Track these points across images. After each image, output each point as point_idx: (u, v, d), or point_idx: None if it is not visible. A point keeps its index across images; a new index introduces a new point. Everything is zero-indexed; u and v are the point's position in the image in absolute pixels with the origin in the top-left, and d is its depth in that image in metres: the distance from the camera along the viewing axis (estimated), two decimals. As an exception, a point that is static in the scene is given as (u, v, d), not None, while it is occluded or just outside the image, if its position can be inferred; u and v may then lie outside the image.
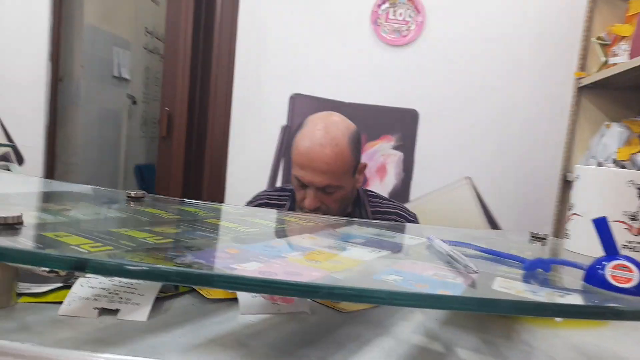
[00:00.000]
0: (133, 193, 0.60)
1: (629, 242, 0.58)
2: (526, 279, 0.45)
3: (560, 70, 1.90)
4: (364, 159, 2.10)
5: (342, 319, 0.46)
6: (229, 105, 2.13)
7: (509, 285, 0.40)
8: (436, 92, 2.00)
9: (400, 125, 2.08)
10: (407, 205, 2.05)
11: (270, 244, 0.45)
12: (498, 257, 0.52)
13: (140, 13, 3.13)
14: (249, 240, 0.46)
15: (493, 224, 2.01)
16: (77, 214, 0.48)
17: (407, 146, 2.07)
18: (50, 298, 0.40)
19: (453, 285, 0.39)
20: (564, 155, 1.88)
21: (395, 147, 2.09)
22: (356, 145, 1.10)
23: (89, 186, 0.68)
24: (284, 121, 2.07)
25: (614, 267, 0.42)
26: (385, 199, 1.27)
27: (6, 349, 0.31)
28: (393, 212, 1.21)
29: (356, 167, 1.12)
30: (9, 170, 1.40)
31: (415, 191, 2.07)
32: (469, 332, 0.46)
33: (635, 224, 0.58)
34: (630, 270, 0.41)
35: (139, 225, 0.45)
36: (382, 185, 2.11)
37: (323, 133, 1.05)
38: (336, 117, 1.13)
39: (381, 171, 2.14)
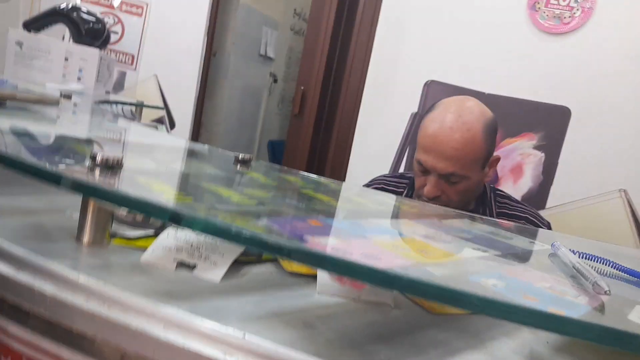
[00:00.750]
0: (241, 156, 0.60)
1: None
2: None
3: None
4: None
5: (429, 320, 0.40)
6: (362, 87, 2.11)
7: (652, 318, 0.31)
8: (596, 89, 1.73)
9: (546, 122, 1.85)
10: (542, 214, 1.84)
11: (359, 223, 0.41)
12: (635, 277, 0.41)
13: (291, -5, 3.26)
14: (337, 216, 0.42)
15: (649, 248, 1.70)
16: (181, 167, 0.49)
17: (551, 147, 1.84)
18: (140, 243, 0.41)
19: (572, 304, 0.31)
20: None
21: (537, 147, 1.88)
22: (491, 135, 0.99)
23: (208, 146, 0.71)
24: (415, 108, 1.98)
25: None
26: (516, 201, 1.14)
27: (76, 282, 0.32)
28: (522, 216, 1.08)
29: (487, 159, 1.00)
30: (157, 128, 1.56)
31: (554, 199, 1.84)
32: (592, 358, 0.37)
33: None
34: None
35: (231, 184, 0.44)
36: (515, 188, 1.92)
37: (455, 117, 0.96)
38: (471, 102, 1.03)
39: (516, 171, 1.94)
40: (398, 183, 1.22)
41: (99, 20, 1.52)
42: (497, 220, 0.84)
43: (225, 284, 0.38)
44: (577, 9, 1.77)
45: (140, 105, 1.50)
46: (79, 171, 0.36)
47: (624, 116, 1.70)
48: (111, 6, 1.99)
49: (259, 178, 0.52)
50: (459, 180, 0.97)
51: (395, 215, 0.49)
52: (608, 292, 0.32)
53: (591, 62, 1.73)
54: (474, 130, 0.95)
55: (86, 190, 0.32)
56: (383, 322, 0.38)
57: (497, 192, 1.15)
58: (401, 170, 2.03)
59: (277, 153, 3.36)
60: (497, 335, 0.39)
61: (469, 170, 0.96)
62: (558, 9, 1.80)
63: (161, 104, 2.49)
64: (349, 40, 2.27)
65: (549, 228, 1.10)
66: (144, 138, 0.70)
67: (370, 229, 0.39)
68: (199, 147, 0.74)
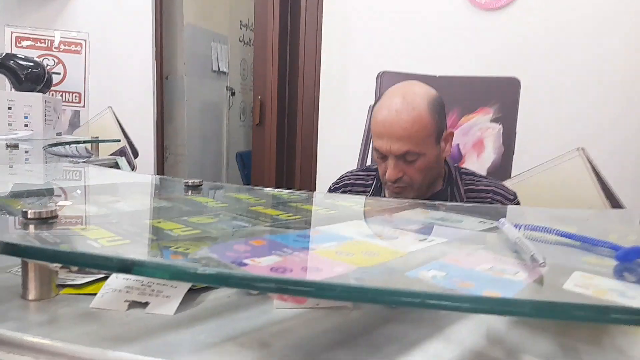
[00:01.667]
0: (190, 182, 0.60)
1: None
2: (617, 274, 0.36)
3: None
4: (459, 134, 1.98)
5: (389, 316, 0.41)
6: (317, 88, 2.13)
7: (588, 282, 0.32)
8: (538, 56, 1.79)
9: (499, 95, 1.90)
10: (509, 182, 1.89)
11: (305, 234, 0.41)
12: (586, 244, 0.43)
13: (234, 7, 3.24)
14: (284, 230, 0.42)
15: (613, 201, 1.76)
16: (123, 206, 0.48)
17: (507, 118, 1.89)
18: (89, 290, 0.41)
19: (509, 283, 0.32)
20: None
21: (494, 120, 1.92)
22: (437, 110, 1.03)
23: (159, 176, 0.70)
24: (372, 101, 2.00)
25: None
26: (481, 177, 1.17)
27: (21, 342, 0.32)
28: (489, 189, 1.11)
29: (440, 135, 1.05)
30: (117, 164, 1.53)
31: (517, 167, 1.89)
32: (544, 335, 0.38)
33: None
34: None
35: (176, 216, 0.44)
36: (479, 162, 1.96)
37: (400, 100, 1.01)
38: (415, 85, 1.07)
39: (478, 146, 1.98)
40: (366, 176, 1.24)
41: (37, 65, 1.49)
42: (451, 203, 0.86)
43: (179, 316, 0.38)
44: (510, -18, 1.83)
45: (93, 142, 1.47)
46: (10, 232, 0.36)
47: (570, 78, 1.75)
48: (49, 48, 1.95)
49: (207, 203, 0.52)
50: (416, 158, 1.01)
51: (345, 218, 0.49)
52: (543, 264, 0.33)
53: (530, 32, 1.78)
54: (419, 109, 1.00)
55: (17, 252, 0.32)
56: (342, 325, 0.38)
57: (462, 170, 1.17)
58: (368, 163, 2.05)
59: (247, 163, 3.35)
60: (454, 319, 0.40)
61: (422, 146, 1.01)
62: (492, -16, 1.86)
63: (120, 135, 2.45)
64: (297, 44, 2.28)
65: (515, 197, 1.13)
66: (90, 180, 0.69)
67: (317, 239, 0.40)
68: (150, 179, 0.73)
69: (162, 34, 2.53)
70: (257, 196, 0.58)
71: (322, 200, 0.61)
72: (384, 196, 1.19)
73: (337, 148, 2.10)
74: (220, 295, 0.43)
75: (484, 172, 1.89)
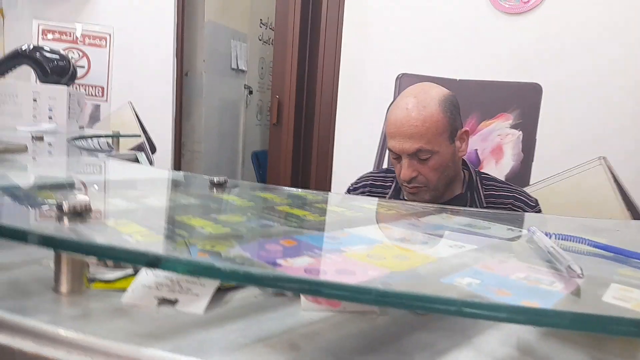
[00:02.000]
0: (216, 179, 0.60)
1: None
2: (654, 288, 0.35)
3: None
4: (477, 140, 1.97)
5: (417, 323, 0.40)
6: (336, 89, 2.13)
7: (627, 295, 0.32)
8: (563, 63, 1.76)
9: (520, 101, 1.88)
10: (528, 190, 1.86)
11: (334, 235, 0.41)
12: (621, 255, 0.42)
13: (255, 6, 3.25)
14: (313, 230, 0.42)
15: (634, 212, 1.73)
16: (153, 201, 0.48)
17: (527, 124, 1.86)
18: (119, 285, 0.41)
19: (546, 293, 0.31)
20: None
21: (514, 126, 1.90)
22: (449, 108, 1.04)
23: (182, 173, 0.70)
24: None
25: None
26: (502, 182, 1.17)
27: (55, 336, 0.32)
28: (510, 196, 1.10)
29: (454, 133, 1.05)
30: (137, 159, 1.55)
31: (537, 174, 1.87)
32: (575, 347, 0.37)
33: None
34: None
35: (205, 213, 0.44)
36: (498, 168, 1.94)
37: (411, 99, 1.03)
38: (429, 86, 1.08)
39: (497, 152, 1.96)
40: (385, 178, 1.24)
41: (63, 57, 1.51)
42: (475, 209, 0.85)
43: (209, 315, 0.38)
44: (535, -13, 1.81)
45: (115, 136, 1.49)
46: (45, 224, 0.36)
47: (592, 86, 1.73)
48: (74, 41, 1.97)
49: (234, 201, 0.53)
50: (429, 157, 1.02)
51: (372, 220, 0.49)
52: (581, 274, 0.33)
53: (554, 37, 1.76)
54: (431, 107, 1.01)
55: (53, 244, 0.32)
56: (369, 331, 0.38)
57: (483, 175, 1.17)
58: (385, 165, 2.04)
59: (262, 163, 3.37)
60: (484, 328, 0.40)
61: (434, 144, 1.01)
62: (516, -12, 1.84)
63: (139, 131, 2.47)
64: (317, 44, 2.28)
65: (537, 204, 1.12)
66: (115, 174, 0.70)
67: (346, 241, 0.40)
68: (174, 175, 0.73)
69: (184, 31, 2.55)
70: (282, 196, 0.58)
71: (345, 201, 0.61)
72: (403, 198, 1.18)
73: (354, 150, 2.09)
74: (248, 295, 0.42)
75: (502, 179, 1.88)
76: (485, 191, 1.12)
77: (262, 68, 3.41)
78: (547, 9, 1.76)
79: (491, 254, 0.41)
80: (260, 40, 3.35)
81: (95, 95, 2.12)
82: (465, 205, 1.09)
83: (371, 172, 1.30)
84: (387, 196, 1.21)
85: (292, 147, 2.39)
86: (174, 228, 0.37)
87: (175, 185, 0.66)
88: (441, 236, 0.45)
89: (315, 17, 2.30)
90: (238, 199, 0.54)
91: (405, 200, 1.18)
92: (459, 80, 1.94)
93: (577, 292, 0.32)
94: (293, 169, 2.42)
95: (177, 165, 2.60)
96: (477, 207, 1.10)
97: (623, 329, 0.26)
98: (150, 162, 2.47)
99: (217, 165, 3.02)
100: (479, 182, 1.13)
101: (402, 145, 1.01)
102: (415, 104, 1.02)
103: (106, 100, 2.12)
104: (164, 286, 0.40)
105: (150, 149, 2.52)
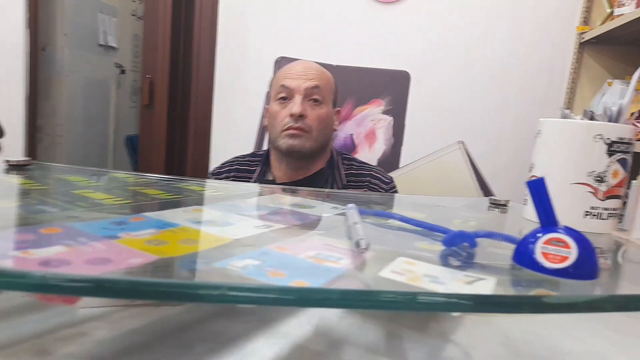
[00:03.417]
0: (14, 160, 0.52)
1: (593, 208, 0.48)
2: (442, 258, 0.36)
3: (562, 25, 1.76)
4: (353, 125, 2.01)
5: (218, 310, 0.37)
6: (213, 70, 2.03)
7: (408, 268, 0.31)
8: (428, 51, 1.87)
9: (391, 88, 1.96)
10: (397, 173, 1.96)
11: (124, 221, 0.36)
12: (425, 229, 0.43)
13: (125, -24, 2.99)
14: (102, 215, 0.37)
15: (486, 190, 1.90)
16: None
17: (397, 110, 1.95)
18: None
19: (326, 271, 0.29)
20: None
21: (386, 112, 1.98)
22: (335, 83, 1.14)
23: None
24: (268, 86, 1.96)
25: (547, 242, 0.32)
26: (360, 162, 1.21)
27: None
28: (367, 173, 1.15)
29: (335, 104, 1.14)
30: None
31: (405, 157, 1.97)
32: (373, 322, 0.37)
33: (602, 187, 0.48)
34: (566, 246, 0.31)
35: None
36: (371, 152, 2.01)
37: (304, 60, 1.13)
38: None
39: (370, 137, 2.03)
40: (251, 162, 1.21)
41: None
42: (328, 190, 0.86)
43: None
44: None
45: None
46: None
47: (453, 74, 1.85)
48: None
49: (26, 185, 0.45)
50: (320, 103, 1.07)
51: (187, 203, 0.45)
52: (364, 249, 0.32)
53: (421, 27, 1.85)
54: (323, 69, 1.12)
55: None
56: (157, 323, 0.34)
57: (344, 155, 1.20)
58: (265, 148, 2.01)
59: (137, 148, 3.14)
60: (285, 311, 0.38)
61: (327, 95, 1.09)
62: (386, -23, 1.90)
63: (-19, 111, 2.15)
64: (191, 21, 2.16)
65: (392, 181, 1.17)
66: None
67: (134, 226, 0.35)
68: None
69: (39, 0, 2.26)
70: (93, 179, 0.51)
71: (172, 184, 0.56)
72: (268, 180, 1.16)
73: (233, 133, 2.03)
74: (15, 295, 0.36)
75: (375, 163, 1.95)
76: (345, 170, 1.16)
77: (136, 46, 3.16)
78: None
79: (296, 233, 0.39)
80: (133, 15, 3.09)
81: None
82: (326, 181, 1.11)
83: (236, 157, 1.26)
84: (252, 180, 1.18)
85: (166, 131, 2.25)
86: None
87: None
88: (255, 217, 0.43)
89: (188, -7, 2.17)
90: (32, 183, 0.46)
91: (270, 181, 1.16)
92: (336, 65, 1.96)
93: (360, 267, 0.31)
94: (167, 153, 2.28)
95: (32, 151, 2.31)
96: (337, 183, 1.13)
97: (381, 304, 0.25)
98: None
99: (84, 151, 2.75)
100: (340, 160, 1.17)
101: (300, 82, 1.06)
102: (313, 63, 1.12)
103: None
104: None
105: (-1, 132, 2.21)
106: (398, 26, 1.89)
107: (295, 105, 1.05)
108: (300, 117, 1.05)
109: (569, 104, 1.73)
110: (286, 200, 0.51)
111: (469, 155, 1.91)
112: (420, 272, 0.31)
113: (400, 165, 1.97)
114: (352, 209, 0.44)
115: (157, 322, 0.35)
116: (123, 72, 3.03)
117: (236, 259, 0.30)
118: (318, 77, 1.08)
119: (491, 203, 0.61)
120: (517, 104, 1.83)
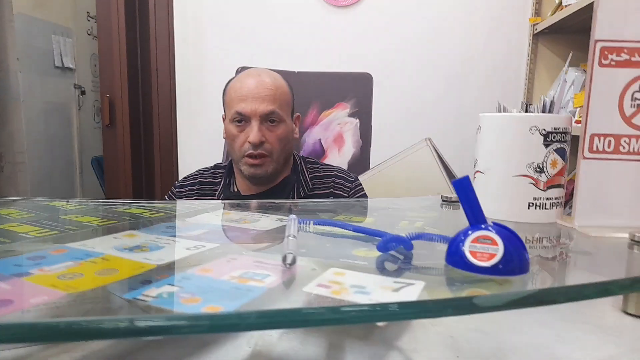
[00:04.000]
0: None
1: (536, 199, 0.48)
2: (378, 265, 0.35)
3: (515, 18, 1.79)
4: (320, 130, 2.01)
5: (146, 340, 0.36)
6: (173, 84, 2.00)
7: (336, 279, 0.30)
8: (388, 52, 1.88)
9: (355, 90, 1.96)
10: (367, 175, 1.97)
11: (40, 255, 0.34)
12: (365, 234, 0.42)
13: (77, -3, 2.94)
14: (18, 251, 0.35)
15: (456, 186, 1.92)
16: None
17: (363, 112, 1.96)
18: None
19: (247, 291, 0.28)
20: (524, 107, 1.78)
21: (352, 114, 1.98)
22: (291, 87, 1.10)
23: None
24: (230, 97, 1.94)
25: (475, 240, 0.32)
26: (323, 164, 1.21)
27: None
28: (331, 174, 1.15)
29: (293, 112, 1.11)
30: None
31: (375, 159, 1.97)
32: (317, 335, 0.36)
33: (542, 177, 0.48)
34: (493, 243, 0.31)
35: None
36: (340, 156, 2.01)
37: (256, 71, 1.07)
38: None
39: (338, 141, 2.03)
40: (214, 174, 1.20)
41: None
42: (279, 201, 0.85)
43: None
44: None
45: None
46: None
47: (414, 73, 1.87)
48: None
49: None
50: (278, 123, 1.03)
51: (124, 227, 0.43)
52: (289, 265, 0.31)
53: (378, 28, 1.86)
54: (279, 79, 1.07)
55: None
56: (85, 358, 0.32)
57: (307, 159, 1.20)
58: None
59: (105, 170, 3.07)
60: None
61: (284, 112, 1.04)
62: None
63: None
64: (147, 37, 2.12)
65: (356, 180, 1.17)
66: None
67: (54, 259, 0.33)
68: None
69: (-15, 25, 2.19)
70: (25, 209, 0.49)
71: (109, 209, 0.54)
72: (232, 192, 1.15)
73: (199, 147, 2.00)
74: None
75: (345, 166, 1.95)
76: (309, 173, 1.15)
77: (95, 65, 3.11)
78: (370, 1, 1.86)
79: (227, 252, 0.37)
80: (89, 34, 3.04)
81: None
82: (292, 187, 1.11)
83: (199, 170, 1.25)
84: (217, 192, 1.16)
85: (131, 150, 2.20)
86: None
87: None
88: (190, 237, 0.41)
89: (143, 6, 2.14)
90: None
91: (234, 192, 1.14)
92: (297, 72, 1.96)
93: (287, 284, 0.30)
94: (134, 173, 2.24)
95: (-7, 180, 2.24)
96: (303, 188, 1.12)
97: (300, 322, 0.24)
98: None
99: (49, 177, 2.68)
100: (303, 165, 1.16)
101: (255, 106, 1.01)
102: (265, 73, 1.06)
103: None
104: None
105: (-44, 164, 2.14)
106: (356, 29, 1.90)
107: (253, 133, 1.01)
108: (260, 144, 1.02)
109: (529, 95, 1.76)
110: (230, 216, 0.50)
111: (437, 152, 1.92)
112: (348, 282, 0.30)
113: (371, 166, 1.98)
114: (290, 221, 0.43)
115: (84, 358, 0.33)
116: (83, 92, 2.97)
117: (151, 287, 0.28)
118: (272, 95, 1.02)
119: (443, 200, 0.61)
120: (479, 100, 1.85)
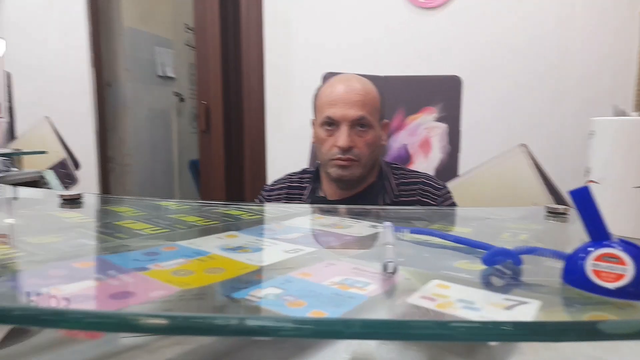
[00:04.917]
0: (67, 195, 0.55)
1: (661, 216, 0.43)
2: (483, 279, 0.33)
3: (624, 12, 1.63)
4: (405, 135, 1.98)
5: (248, 339, 0.37)
6: (262, 91, 2.08)
7: (439, 292, 0.29)
8: (478, 53, 1.80)
9: (442, 94, 1.90)
10: (456, 181, 1.90)
11: (155, 251, 0.37)
12: (468, 246, 0.40)
13: (177, 10, 3.16)
14: (139, 246, 0.38)
15: (555, 194, 1.79)
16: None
17: (451, 116, 1.89)
18: None
19: (349, 299, 0.28)
20: (635, 111, 1.61)
21: (439, 119, 1.93)
22: (381, 93, 1.09)
23: (46, 190, 0.64)
24: (317, 102, 1.97)
25: (598, 259, 0.29)
26: (410, 170, 1.19)
27: None
28: (419, 181, 1.12)
29: (382, 116, 1.10)
30: (42, 177, 1.44)
31: (464, 165, 1.90)
32: (415, 348, 0.35)
33: (669, 192, 0.43)
34: (621, 262, 0.28)
35: (27, 234, 0.39)
36: (427, 162, 1.96)
37: (346, 77, 1.08)
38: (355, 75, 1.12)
39: (425, 146, 1.98)
40: (301, 179, 1.22)
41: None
42: (366, 207, 0.84)
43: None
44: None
45: (13, 154, 1.38)
46: None
47: (507, 75, 1.77)
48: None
49: (71, 218, 0.47)
50: (367, 129, 1.03)
51: (219, 229, 0.45)
52: (391, 273, 0.30)
53: (468, 29, 1.79)
54: (368, 84, 1.06)
55: None
56: (196, 352, 0.34)
57: (392, 165, 1.18)
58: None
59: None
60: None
61: (373, 117, 1.04)
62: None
63: (59, 147, 2.34)
64: (239, 46, 2.23)
65: (444, 187, 1.13)
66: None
67: (162, 257, 0.36)
68: (31, 193, 0.67)
69: (100, 39, 2.44)
70: (139, 208, 0.53)
71: (210, 210, 0.56)
72: (319, 198, 1.16)
73: (287, 152, 2.06)
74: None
75: (432, 172, 1.89)
76: (396, 180, 1.13)
77: (192, 74, 3.32)
78: (458, 2, 1.80)
79: (325, 257, 0.37)
80: (187, 45, 3.25)
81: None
82: (377, 194, 1.09)
83: (288, 174, 1.28)
84: (304, 197, 1.18)
85: (224, 154, 2.32)
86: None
87: (22, 205, 0.60)
88: (286, 240, 0.42)
89: (236, 18, 2.25)
90: (79, 216, 0.49)
91: (321, 197, 1.15)
92: (384, 76, 1.94)
93: (389, 293, 0.29)
94: (226, 175, 2.35)
95: (105, 180, 2.47)
96: (389, 194, 1.10)
97: (406, 335, 0.23)
98: (73, 179, 2.33)
99: (151, 178, 2.91)
100: (389, 171, 1.15)
101: (345, 112, 1.02)
102: (355, 79, 1.06)
103: (2, 117, 1.98)
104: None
105: (75, 165, 2.39)
106: (444, 31, 1.84)
107: (342, 138, 1.02)
108: (349, 149, 1.03)
109: (639, 99, 1.59)
110: (323, 221, 0.50)
111: (533, 159, 1.80)
112: (454, 296, 0.29)
113: (459, 173, 1.90)
114: (387, 228, 0.42)
115: (194, 351, 0.35)
116: (182, 100, 3.18)
117: (258, 287, 0.29)
118: (361, 101, 1.02)
119: (548, 212, 0.57)
120: (582, 101, 1.71)
